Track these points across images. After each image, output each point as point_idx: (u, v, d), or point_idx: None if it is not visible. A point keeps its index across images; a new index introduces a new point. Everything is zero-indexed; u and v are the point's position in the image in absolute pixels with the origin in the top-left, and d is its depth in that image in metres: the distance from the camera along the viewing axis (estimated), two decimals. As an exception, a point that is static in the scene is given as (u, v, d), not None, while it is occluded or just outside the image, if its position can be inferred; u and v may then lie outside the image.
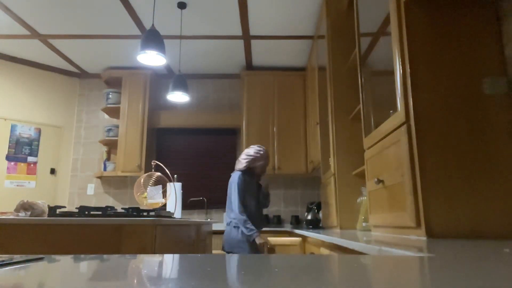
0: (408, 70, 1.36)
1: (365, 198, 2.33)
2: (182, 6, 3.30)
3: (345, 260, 0.64)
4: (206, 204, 4.55)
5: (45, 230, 1.63)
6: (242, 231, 2.75)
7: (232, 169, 4.63)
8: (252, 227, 2.71)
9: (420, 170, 1.26)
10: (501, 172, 1.26)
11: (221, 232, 3.90)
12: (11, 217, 1.68)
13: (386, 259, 0.66)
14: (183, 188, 4.03)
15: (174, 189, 3.03)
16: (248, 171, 2.93)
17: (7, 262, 0.57)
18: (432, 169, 1.26)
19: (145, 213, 1.97)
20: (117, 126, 4.52)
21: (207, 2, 3.27)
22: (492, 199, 1.24)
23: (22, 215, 1.76)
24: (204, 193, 4.57)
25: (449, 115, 1.31)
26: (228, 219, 2.85)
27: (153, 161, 3.21)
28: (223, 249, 2.87)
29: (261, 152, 2.94)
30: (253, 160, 2.91)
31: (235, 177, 2.88)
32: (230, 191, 2.87)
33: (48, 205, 1.86)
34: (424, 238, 1.20)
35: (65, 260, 0.63)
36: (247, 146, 4.33)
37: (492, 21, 1.38)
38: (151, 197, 2.88)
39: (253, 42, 4.04)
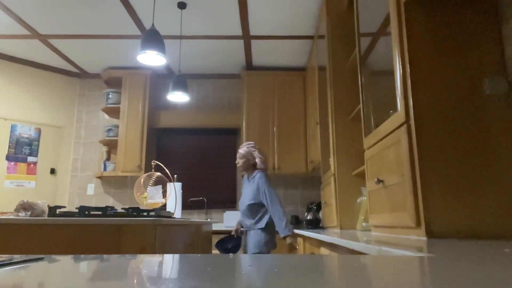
0: (408, 70, 1.36)
1: (365, 198, 2.33)
2: (182, 6, 3.30)
3: (345, 260, 0.64)
4: (206, 204, 4.55)
5: (45, 230, 1.63)
6: (274, 229, 2.91)
7: (232, 169, 4.63)
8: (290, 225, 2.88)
9: (420, 170, 1.26)
10: (501, 172, 1.26)
11: (221, 232, 3.89)
12: (11, 217, 1.68)
13: (386, 259, 0.66)
14: (183, 188, 4.03)
15: (174, 189, 3.03)
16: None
17: (7, 262, 0.57)
18: (432, 169, 1.26)
19: (145, 213, 1.97)
20: (117, 126, 4.52)
21: (207, 2, 3.27)
22: (492, 199, 1.24)
23: (22, 215, 1.76)
24: (204, 193, 4.57)
25: (449, 115, 1.31)
26: (250, 221, 2.94)
27: (153, 161, 3.21)
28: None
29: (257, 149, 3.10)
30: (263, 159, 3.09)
31: (262, 178, 2.93)
32: (260, 192, 2.91)
33: (48, 205, 1.86)
34: (424, 238, 1.20)
35: (65, 260, 0.63)
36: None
37: (492, 21, 1.38)
38: (151, 197, 2.88)
39: (253, 42, 4.04)
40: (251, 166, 3.04)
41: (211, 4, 3.30)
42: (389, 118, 1.54)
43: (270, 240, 2.92)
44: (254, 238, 2.89)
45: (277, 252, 3.83)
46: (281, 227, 2.79)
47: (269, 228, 2.91)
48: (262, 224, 2.89)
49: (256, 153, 3.05)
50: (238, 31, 3.79)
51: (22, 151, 4.28)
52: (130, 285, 0.41)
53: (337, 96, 2.83)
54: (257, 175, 2.97)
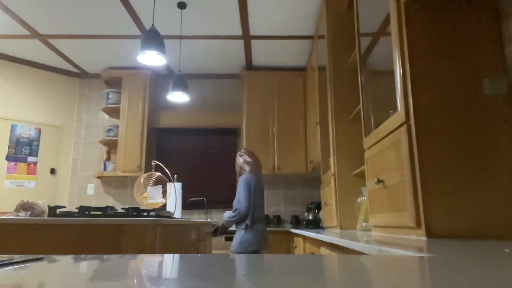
0: (408, 70, 1.36)
1: (365, 198, 2.33)
2: (182, 6, 3.30)
3: (345, 260, 0.64)
4: (206, 204, 4.55)
5: (45, 230, 1.63)
6: (256, 230, 3.06)
7: (232, 169, 4.63)
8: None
9: (420, 170, 1.26)
10: (501, 172, 1.26)
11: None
12: (11, 217, 1.68)
13: (386, 259, 0.66)
14: (183, 188, 4.03)
15: (174, 189, 3.03)
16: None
17: (7, 262, 0.57)
18: (432, 169, 1.26)
19: (145, 213, 1.97)
20: (117, 126, 4.52)
21: (207, 2, 3.27)
22: (492, 199, 1.24)
23: (22, 215, 1.76)
24: (204, 193, 4.57)
25: (449, 115, 1.31)
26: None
27: (153, 161, 3.21)
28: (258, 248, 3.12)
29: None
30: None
31: (241, 180, 3.18)
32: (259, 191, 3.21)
33: (48, 205, 1.86)
34: (424, 238, 1.20)
35: (65, 260, 0.63)
36: (247, 146, 4.34)
37: (492, 21, 1.38)
38: (151, 197, 2.88)
39: (253, 42, 4.04)
40: (243, 172, 3.22)
41: (211, 4, 3.30)
42: (389, 118, 1.54)
43: (251, 240, 2.97)
44: (236, 237, 3.01)
45: (276, 252, 3.84)
46: (225, 218, 3.06)
47: (250, 228, 2.98)
48: (243, 225, 2.97)
49: (241, 160, 3.25)
50: (238, 31, 3.79)
51: (22, 151, 4.28)
52: (130, 285, 0.41)
53: (337, 96, 2.83)
54: (241, 177, 3.19)
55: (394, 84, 1.46)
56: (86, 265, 0.58)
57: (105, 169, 4.44)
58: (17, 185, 4.20)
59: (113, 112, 4.63)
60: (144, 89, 4.54)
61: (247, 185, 3.06)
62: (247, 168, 3.23)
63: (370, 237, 1.45)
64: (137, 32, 3.82)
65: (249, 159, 3.23)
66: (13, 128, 4.27)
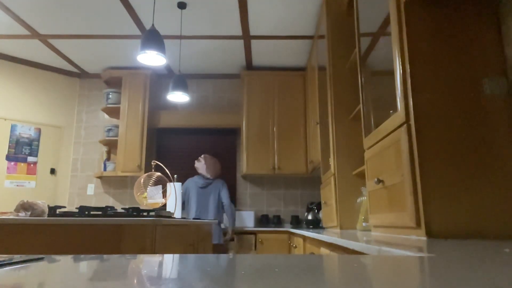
0: (408, 70, 1.36)
1: (365, 198, 2.33)
2: (182, 6, 3.30)
3: (345, 260, 0.64)
4: (206, 204, 4.54)
5: (45, 230, 1.63)
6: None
7: (232, 169, 4.63)
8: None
9: (420, 170, 1.26)
10: (501, 172, 1.26)
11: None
12: (11, 217, 1.68)
13: (386, 259, 0.66)
14: (183, 188, 4.03)
15: (174, 189, 3.03)
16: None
17: (7, 262, 0.57)
18: (432, 169, 1.26)
19: (145, 213, 1.97)
20: (117, 126, 4.52)
21: (207, 2, 3.27)
22: (492, 199, 1.24)
23: (22, 215, 1.76)
24: (204, 193, 4.56)
25: (449, 115, 1.31)
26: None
27: (153, 161, 3.21)
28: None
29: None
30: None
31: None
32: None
33: (48, 205, 1.86)
34: (424, 238, 1.20)
35: (65, 260, 0.63)
36: (247, 146, 4.34)
37: (492, 21, 1.38)
38: (151, 197, 2.88)
39: (253, 42, 4.04)
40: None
41: (211, 4, 3.30)
42: (389, 118, 1.54)
43: None
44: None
45: (276, 252, 3.84)
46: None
47: None
48: None
49: (196, 164, 4.08)
50: (238, 31, 3.79)
51: (22, 151, 4.28)
52: (130, 285, 0.41)
53: (337, 96, 2.83)
54: None
55: (394, 84, 1.46)
56: (86, 265, 0.58)
57: (105, 169, 4.44)
58: (17, 185, 4.20)
59: (113, 112, 4.63)
60: (144, 89, 4.54)
61: (182, 193, 3.84)
62: (200, 171, 4.02)
63: (370, 237, 1.45)
64: (137, 32, 3.82)
65: (202, 164, 3.97)
66: (13, 128, 4.26)
